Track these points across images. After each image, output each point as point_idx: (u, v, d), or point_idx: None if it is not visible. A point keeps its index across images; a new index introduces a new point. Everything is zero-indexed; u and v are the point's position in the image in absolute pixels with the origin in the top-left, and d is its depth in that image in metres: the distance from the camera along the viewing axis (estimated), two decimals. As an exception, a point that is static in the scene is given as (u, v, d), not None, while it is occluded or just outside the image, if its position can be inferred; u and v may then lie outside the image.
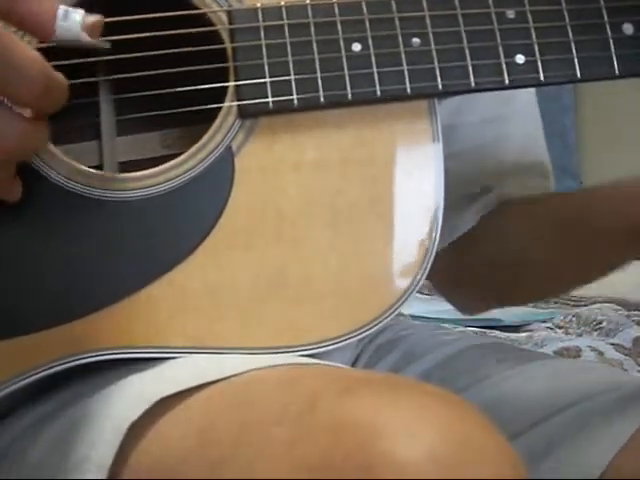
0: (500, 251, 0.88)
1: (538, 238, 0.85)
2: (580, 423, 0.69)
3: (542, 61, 0.62)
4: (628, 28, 0.63)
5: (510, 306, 0.97)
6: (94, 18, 0.55)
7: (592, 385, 0.72)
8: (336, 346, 0.59)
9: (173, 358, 0.58)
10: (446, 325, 1.40)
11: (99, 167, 0.65)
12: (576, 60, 0.62)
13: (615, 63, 0.63)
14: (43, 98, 0.54)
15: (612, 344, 1.49)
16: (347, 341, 0.60)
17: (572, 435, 0.68)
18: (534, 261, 0.86)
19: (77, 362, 0.58)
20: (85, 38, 0.54)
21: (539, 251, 0.85)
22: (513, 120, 0.89)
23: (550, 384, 0.74)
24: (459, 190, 0.86)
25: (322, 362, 0.55)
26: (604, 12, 0.63)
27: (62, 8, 0.54)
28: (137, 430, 0.52)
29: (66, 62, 0.58)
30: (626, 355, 1.45)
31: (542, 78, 0.62)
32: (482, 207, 0.88)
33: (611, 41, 0.63)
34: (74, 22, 0.54)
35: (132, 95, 0.62)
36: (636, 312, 1.71)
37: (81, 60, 0.58)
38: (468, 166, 0.88)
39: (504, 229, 0.87)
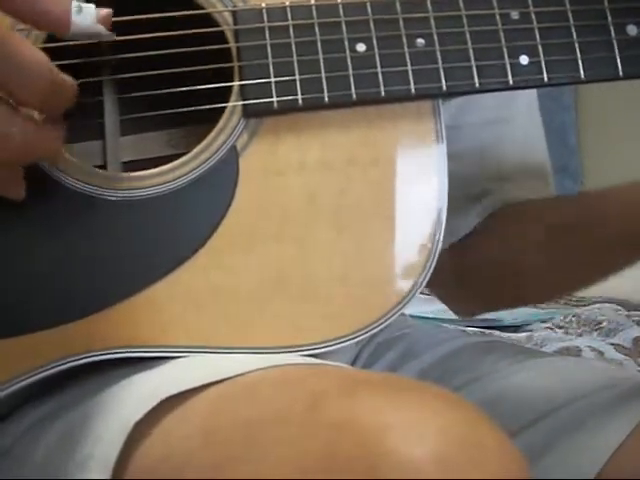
0: (500, 255, 0.88)
1: (536, 243, 0.85)
2: (577, 421, 0.69)
3: (546, 62, 0.62)
4: (632, 29, 0.63)
5: (508, 309, 0.97)
6: (105, 11, 0.57)
7: (589, 383, 0.72)
8: (339, 346, 0.59)
9: (176, 358, 0.58)
10: (446, 325, 1.40)
11: (103, 167, 0.65)
12: (580, 61, 0.62)
13: (619, 64, 0.63)
14: (49, 99, 0.54)
15: (612, 344, 1.49)
16: (350, 341, 0.60)
17: (569, 433, 0.68)
18: (533, 265, 0.86)
19: (81, 361, 0.58)
20: (100, 29, 0.56)
21: (537, 255, 0.85)
22: (513, 122, 0.90)
23: (548, 382, 0.74)
24: (460, 191, 0.86)
25: (325, 362, 0.55)
26: (608, 13, 0.63)
27: (75, 3, 0.55)
28: (141, 429, 0.52)
29: (70, 62, 0.58)
30: (626, 355, 1.45)
31: (546, 79, 0.62)
32: (482, 210, 0.88)
33: (615, 42, 0.63)
34: (89, 15, 0.55)
35: (136, 95, 0.62)
36: (636, 312, 1.71)
37: (85, 60, 0.58)
38: (469, 167, 0.88)
39: (504, 232, 0.87)
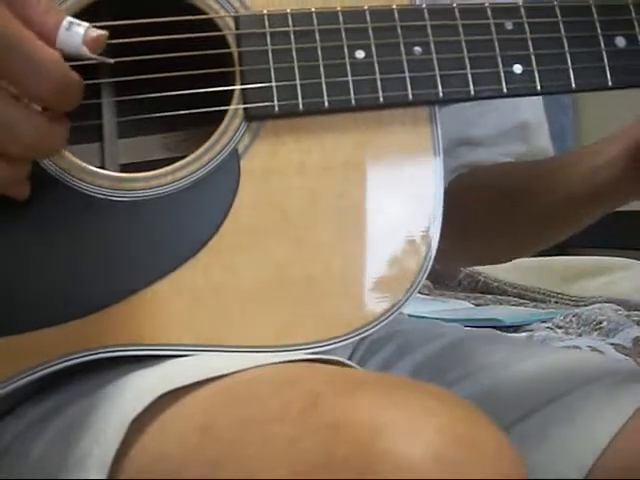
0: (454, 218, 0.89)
1: (488, 206, 0.87)
2: (575, 409, 0.69)
3: (539, 71, 0.64)
4: (621, 41, 0.64)
5: (489, 264, 0.96)
6: (97, 33, 0.55)
7: (585, 374, 0.73)
8: (338, 345, 0.60)
9: (177, 356, 0.59)
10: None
11: (101, 169, 0.66)
12: (571, 71, 0.64)
13: (608, 74, 0.64)
14: (60, 95, 0.54)
15: (612, 344, 1.48)
16: (349, 340, 0.61)
17: (567, 420, 0.68)
18: (483, 228, 0.88)
19: (82, 359, 0.59)
20: (84, 51, 0.55)
21: (488, 218, 0.87)
22: None
23: (543, 373, 0.75)
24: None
25: (324, 357, 0.56)
26: (598, 25, 0.64)
27: (67, 19, 0.55)
28: (138, 426, 0.52)
29: (70, 64, 0.58)
30: (626, 355, 1.44)
31: (539, 87, 0.64)
32: (456, 166, 0.89)
33: (604, 53, 0.64)
34: (76, 34, 0.54)
35: (135, 97, 0.63)
36: (636, 312, 1.70)
37: (84, 62, 0.58)
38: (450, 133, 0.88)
39: (461, 198, 0.87)
